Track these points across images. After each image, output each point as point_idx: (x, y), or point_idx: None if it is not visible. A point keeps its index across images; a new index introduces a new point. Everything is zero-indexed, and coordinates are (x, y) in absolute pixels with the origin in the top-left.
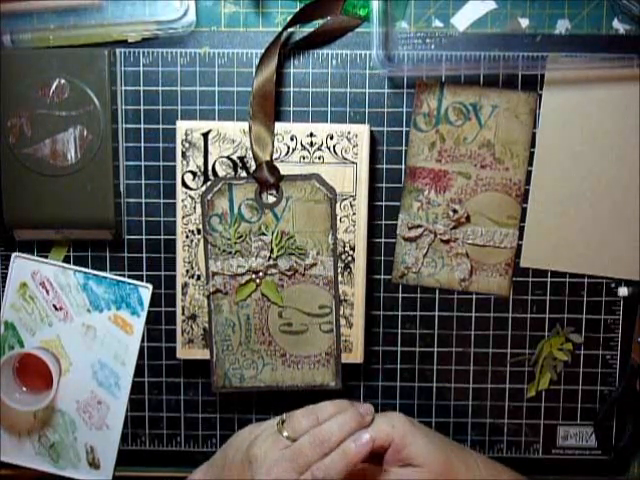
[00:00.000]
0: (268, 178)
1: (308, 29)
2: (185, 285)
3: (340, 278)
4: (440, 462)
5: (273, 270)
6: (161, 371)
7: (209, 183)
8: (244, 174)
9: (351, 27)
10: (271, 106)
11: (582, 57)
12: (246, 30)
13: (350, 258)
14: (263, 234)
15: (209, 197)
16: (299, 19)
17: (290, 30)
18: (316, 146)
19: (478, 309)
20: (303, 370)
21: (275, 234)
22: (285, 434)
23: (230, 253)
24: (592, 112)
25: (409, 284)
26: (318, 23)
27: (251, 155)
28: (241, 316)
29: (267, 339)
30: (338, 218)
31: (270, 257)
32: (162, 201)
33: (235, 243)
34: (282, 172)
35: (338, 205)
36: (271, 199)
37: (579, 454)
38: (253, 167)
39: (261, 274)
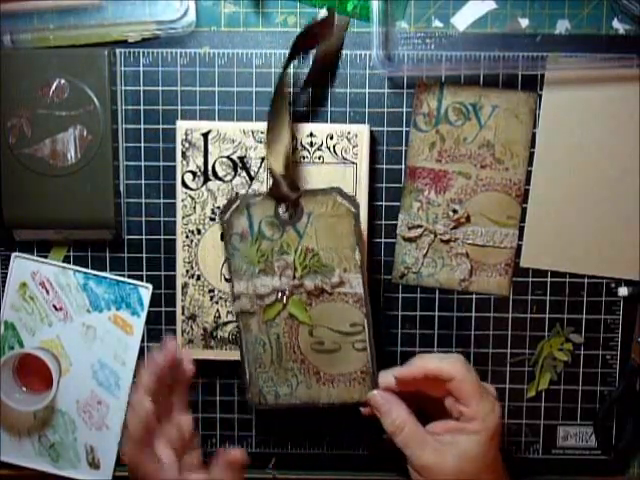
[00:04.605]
0: (287, 194)
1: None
2: (185, 285)
3: None
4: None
5: (299, 289)
6: None
7: (225, 203)
8: (261, 190)
9: (341, 40)
10: (288, 132)
11: (582, 57)
12: (246, 30)
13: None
14: (285, 253)
15: (227, 217)
16: (296, 51)
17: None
18: (316, 146)
19: (478, 309)
20: (339, 388)
21: (299, 252)
22: None
23: (253, 273)
24: (592, 112)
25: (409, 284)
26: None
27: (251, 155)
28: (271, 335)
29: (299, 357)
30: None
31: (295, 276)
32: (162, 201)
33: (258, 262)
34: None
35: None
36: (291, 215)
37: (579, 454)
38: (254, 167)
39: (287, 293)
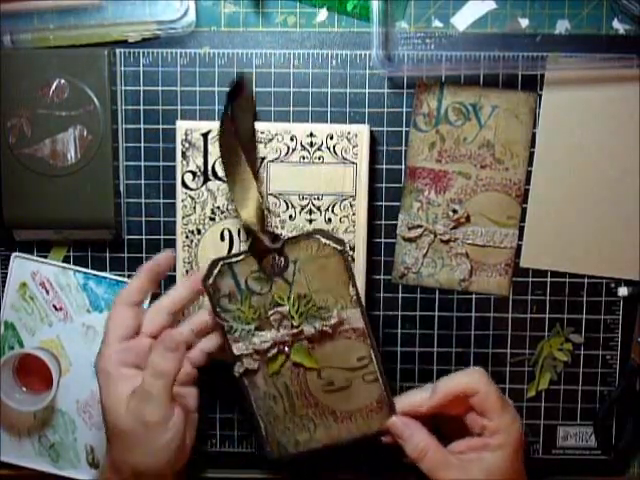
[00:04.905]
0: (269, 247)
1: None
2: None
3: None
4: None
5: (299, 337)
6: None
7: (207, 267)
8: (241, 249)
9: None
10: (248, 172)
11: (582, 57)
12: (246, 30)
13: (350, 258)
14: (278, 304)
15: (211, 282)
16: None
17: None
18: (316, 146)
19: (478, 309)
20: (358, 422)
21: (292, 301)
22: None
23: (250, 331)
24: (592, 112)
25: (409, 284)
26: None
27: None
28: (279, 386)
29: (312, 402)
30: (338, 218)
31: (293, 325)
32: (162, 201)
33: (252, 319)
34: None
35: (338, 205)
36: (277, 266)
37: (579, 454)
38: None
39: (288, 343)
